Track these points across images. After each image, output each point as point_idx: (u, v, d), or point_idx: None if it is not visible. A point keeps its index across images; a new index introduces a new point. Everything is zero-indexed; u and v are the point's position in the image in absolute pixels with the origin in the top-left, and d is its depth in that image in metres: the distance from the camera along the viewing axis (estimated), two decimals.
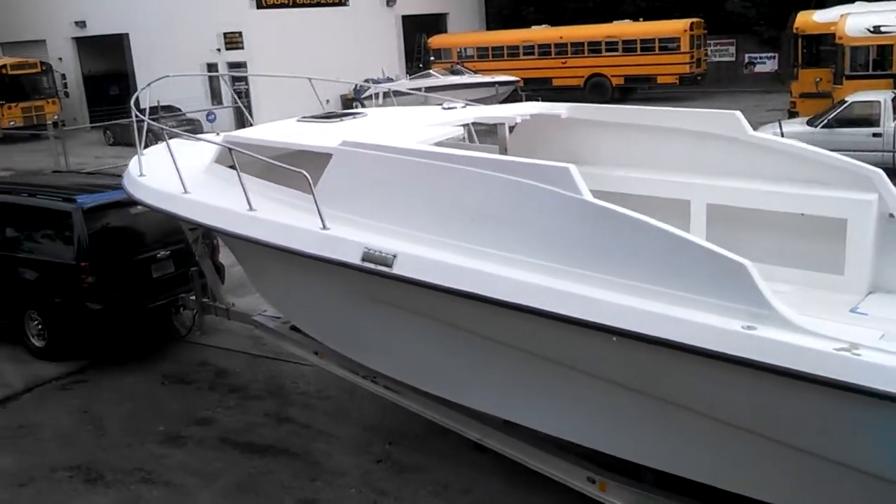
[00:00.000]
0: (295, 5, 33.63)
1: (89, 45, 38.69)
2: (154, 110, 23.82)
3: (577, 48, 34.41)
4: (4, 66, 34.56)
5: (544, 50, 35.16)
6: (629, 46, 33.36)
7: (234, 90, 31.59)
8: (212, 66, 33.50)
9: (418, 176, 5.87)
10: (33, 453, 8.01)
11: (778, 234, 6.43)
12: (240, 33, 33.13)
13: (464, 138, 8.00)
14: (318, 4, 34.55)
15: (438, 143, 6.71)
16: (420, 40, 39.31)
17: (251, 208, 6.48)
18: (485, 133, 8.71)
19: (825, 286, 6.06)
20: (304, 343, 7.87)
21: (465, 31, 40.64)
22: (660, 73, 32.89)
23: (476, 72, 33.40)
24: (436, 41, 38.44)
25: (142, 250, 9.96)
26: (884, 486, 4.20)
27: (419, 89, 31.31)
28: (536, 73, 34.42)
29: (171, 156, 7.37)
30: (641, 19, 34.80)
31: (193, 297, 9.38)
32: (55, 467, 7.67)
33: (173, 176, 7.26)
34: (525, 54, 35.45)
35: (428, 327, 5.93)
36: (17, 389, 9.49)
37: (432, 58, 37.42)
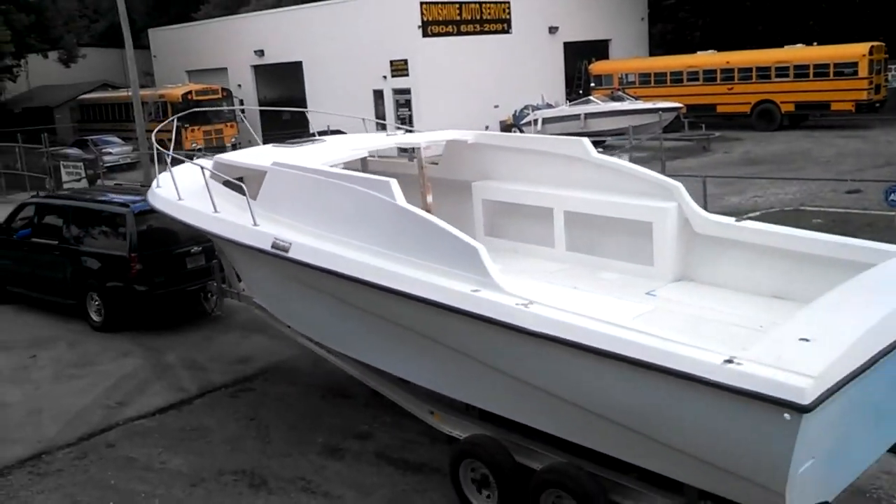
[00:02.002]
0: (459, 33, 34.38)
1: (266, 73, 41.02)
2: (323, 133, 24.83)
3: (745, 74, 33.28)
4: (190, 92, 37.12)
5: (709, 76, 34.23)
6: (801, 72, 31.93)
7: (399, 115, 32.60)
8: (378, 93, 34.76)
9: (309, 187, 7.86)
10: (203, 455, 8.48)
11: (612, 234, 8.17)
12: (405, 61, 34.18)
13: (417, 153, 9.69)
14: (482, 32, 35.17)
15: (346, 164, 8.70)
16: (581, 66, 39.21)
17: (216, 210, 8.56)
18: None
19: (641, 275, 7.79)
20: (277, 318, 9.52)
21: (627, 58, 40.20)
22: (834, 100, 31.28)
23: (638, 98, 32.91)
24: (597, 67, 38.20)
25: (179, 246, 12.34)
26: (524, 386, 6.08)
27: (578, 116, 31.28)
28: (700, 100, 33.55)
29: (171, 174, 9.59)
30: (815, 43, 33.26)
31: (215, 284, 11.37)
32: (223, 470, 8.10)
33: (173, 188, 9.43)
34: (689, 80, 34.65)
35: (318, 297, 7.84)
36: (191, 394, 10.11)
37: (593, 84, 37.20)
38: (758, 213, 16.70)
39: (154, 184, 10.36)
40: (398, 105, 34.71)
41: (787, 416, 4.53)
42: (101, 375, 10.90)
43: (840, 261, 6.54)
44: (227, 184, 8.75)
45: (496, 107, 35.27)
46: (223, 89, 38.14)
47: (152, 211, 10.49)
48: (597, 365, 5.37)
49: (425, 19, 33.65)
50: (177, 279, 12.37)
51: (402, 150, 10.13)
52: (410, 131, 10.52)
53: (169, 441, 8.87)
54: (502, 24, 36.47)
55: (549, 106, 34.43)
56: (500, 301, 5.95)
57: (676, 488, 5.78)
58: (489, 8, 36.07)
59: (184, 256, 12.41)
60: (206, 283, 11.76)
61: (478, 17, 35.67)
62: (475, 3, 35.52)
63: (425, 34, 33.43)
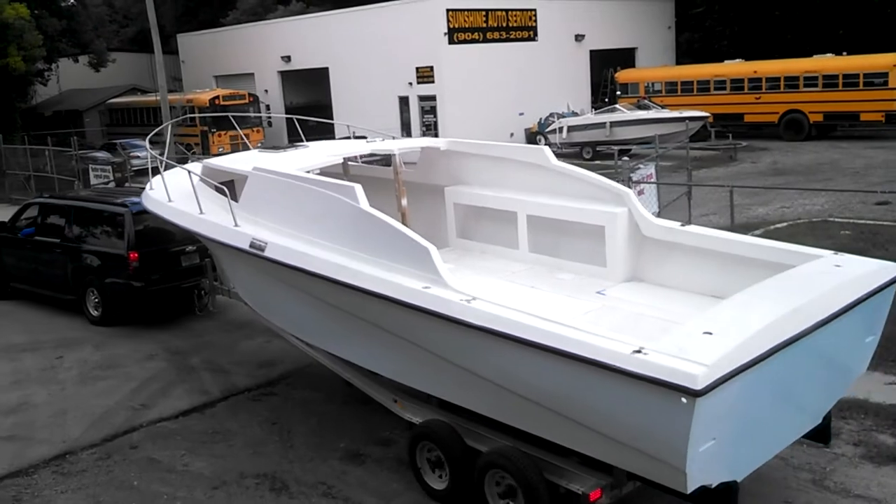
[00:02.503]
0: (485, 40, 34.42)
1: (293, 78, 41.30)
2: (346, 139, 24.91)
3: (773, 83, 33.03)
4: (217, 96, 37.46)
5: (737, 85, 34.01)
6: (830, 81, 31.63)
7: (424, 122, 32.64)
8: (403, 100, 34.85)
9: (284, 191, 8.39)
10: (225, 458, 8.52)
11: (569, 237, 8.66)
12: (431, 67, 34.25)
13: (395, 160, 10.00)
14: (508, 39, 35.18)
15: (322, 169, 9.25)
16: (607, 75, 39.10)
17: (201, 212, 9.15)
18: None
19: (595, 275, 8.29)
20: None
21: (653, 66, 40.04)
22: (864, 111, 30.94)
23: (664, 107, 32.77)
24: (623, 75, 38.07)
25: (174, 245, 12.81)
26: (470, 375, 6.60)
27: (604, 124, 31.18)
28: (727, 109, 33.35)
29: (162, 178, 10.16)
30: (845, 53, 32.95)
31: (207, 282, 12.12)
32: (245, 473, 8.13)
33: (164, 191, 10.02)
34: (716, 89, 34.44)
35: (292, 293, 8.37)
36: (214, 397, 10.16)
37: (619, 92, 37.10)
38: (785, 224, 16.55)
39: (148, 186, 10.85)
40: (423, 111, 34.78)
41: (683, 399, 5.02)
42: (126, 377, 10.99)
43: (768, 262, 7.02)
44: (217, 187, 9.18)
45: (521, 114, 35.26)
46: (250, 94, 38.45)
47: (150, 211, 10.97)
48: (527, 355, 5.89)
49: (451, 26, 33.72)
50: (172, 276, 12.95)
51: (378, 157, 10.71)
52: (393, 138, 11.19)
53: (191, 443, 8.92)
54: (528, 32, 36.48)
55: (575, 114, 34.35)
56: (447, 297, 6.50)
57: (607, 469, 6.31)
58: (515, 15, 36.08)
59: (179, 255, 12.97)
60: (200, 281, 12.53)
61: (504, 25, 35.70)
62: (501, 10, 35.54)
63: (451, 41, 33.49)
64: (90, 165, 28.17)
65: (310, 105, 41.51)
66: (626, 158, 12.87)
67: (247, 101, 37.94)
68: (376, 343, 7.61)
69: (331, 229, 7.75)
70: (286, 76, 41.54)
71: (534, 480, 6.47)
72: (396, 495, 7.57)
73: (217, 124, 36.30)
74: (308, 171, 8.82)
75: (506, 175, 9.35)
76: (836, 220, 17.11)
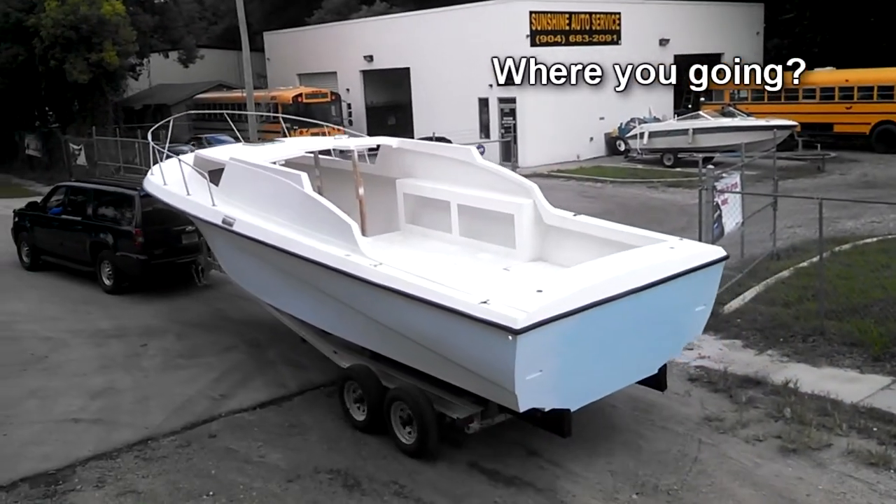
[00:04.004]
0: (568, 43, 34.11)
1: (374, 78, 41.67)
2: (428, 140, 25.08)
3: (866, 93, 31.88)
4: (300, 94, 38.06)
5: (827, 94, 32.92)
6: None
7: (503, 124, 32.54)
8: (483, 101, 34.82)
9: (250, 178, 10.30)
10: (300, 452, 8.67)
11: (489, 223, 10.20)
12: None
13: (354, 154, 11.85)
14: (591, 43, 34.78)
15: (288, 161, 11.04)
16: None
17: (188, 193, 11.06)
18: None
19: (508, 256, 9.84)
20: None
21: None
22: None
23: (749, 114, 31.95)
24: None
25: (176, 224, 14.37)
26: (377, 325, 8.42)
27: (686, 131, 30.57)
28: (816, 118, 32.26)
29: (159, 167, 12.14)
30: None
31: (202, 257, 13.70)
32: (319, 468, 8.25)
33: (161, 177, 11.96)
34: (805, 98, 33.39)
35: (255, 262, 10.16)
36: (291, 391, 10.34)
37: (703, 99, 36.33)
38: (875, 240, 15.97)
39: (149, 173, 12.77)
40: (502, 114, 34.69)
41: (509, 337, 6.62)
42: (206, 367, 11.27)
43: (625, 244, 8.58)
44: (200, 173, 11.09)
45: (601, 118, 34.87)
46: (332, 93, 38.91)
47: None
48: (411, 305, 7.57)
49: (534, 28, 33.52)
50: (173, 252, 14.78)
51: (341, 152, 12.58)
52: (355, 135, 13.77)
53: (268, 435, 9.09)
54: (612, 36, 36.02)
55: (657, 119, 33.79)
56: (360, 262, 8.24)
57: (483, 403, 7.95)
58: (599, 18, 35.68)
59: (180, 233, 14.67)
60: (196, 257, 14.06)
61: (587, 28, 35.33)
62: (585, 13, 35.18)
63: (533, 43, 33.28)
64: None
65: (389, 104, 41.84)
66: (711, 167, 12.59)
67: (329, 99, 38.38)
68: (317, 302, 9.37)
69: (283, 209, 9.55)
70: (368, 75, 41.93)
71: (425, 411, 8.11)
72: (465, 498, 7.59)
73: (299, 123, 36.76)
74: (274, 163, 10.54)
75: (443, 170, 10.91)
76: None
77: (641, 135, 31.75)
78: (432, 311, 7.31)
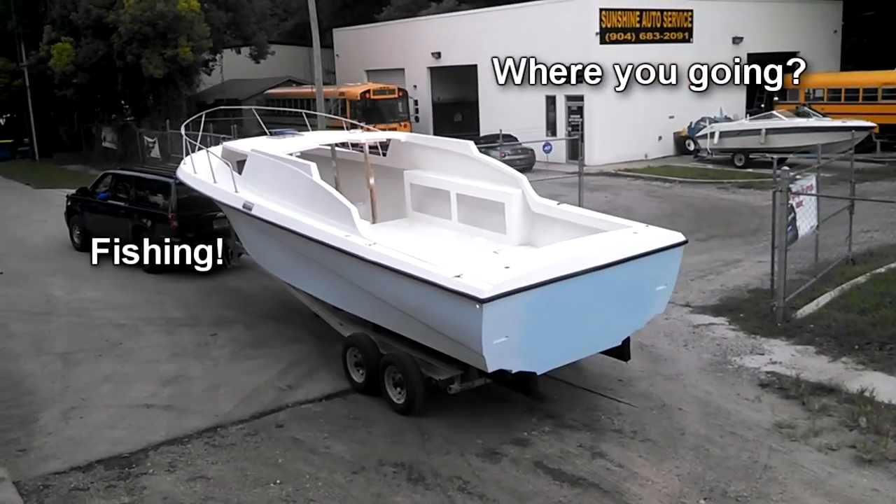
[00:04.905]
0: (638, 41, 33.65)
1: (442, 75, 41.72)
2: (496, 138, 25.09)
3: None
4: (368, 90, 38.33)
5: None
6: None
7: (570, 122, 32.27)
8: (550, 99, 34.57)
9: (268, 167, 11.38)
10: (365, 444, 8.74)
11: (483, 211, 11.17)
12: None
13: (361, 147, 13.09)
14: (662, 41, 34.26)
15: (303, 153, 11.86)
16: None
17: (215, 181, 12.16)
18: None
19: (500, 241, 10.67)
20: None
21: (815, 71, 38.02)
22: None
23: (825, 115, 31.08)
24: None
25: (208, 210, 15.27)
26: (374, 298, 9.44)
27: (759, 131, 29.89)
28: None
29: (191, 157, 13.41)
30: None
31: (230, 241, 15.01)
32: (383, 461, 8.31)
33: (192, 166, 13.12)
34: (885, 98, 32.34)
35: (272, 243, 11.20)
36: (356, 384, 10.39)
37: (777, 98, 35.47)
38: None
39: (182, 163, 13.94)
40: (570, 112, 34.42)
41: (476, 306, 7.55)
42: (274, 358, 11.44)
43: (597, 229, 9.46)
44: (225, 163, 12.28)
45: (671, 117, 34.32)
46: (399, 89, 39.09)
47: None
48: (399, 278, 8.54)
49: (604, 26, 33.15)
50: (204, 236, 15.20)
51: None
52: (370, 130, 15.04)
53: (334, 427, 9.19)
54: (684, 33, 35.40)
55: (728, 119, 33.12)
56: (358, 242, 9.24)
57: (465, 367, 8.81)
58: (671, 16, 35.11)
59: (211, 219, 15.75)
60: (225, 241, 15.16)
61: (658, 25, 34.80)
62: (656, 10, 34.65)
63: (602, 41, 32.92)
64: None
65: (456, 101, 41.83)
66: (786, 168, 12.26)
67: (396, 95, 38.55)
68: (324, 279, 10.34)
69: (295, 195, 10.57)
70: (435, 72, 41.99)
71: (413, 374, 9.12)
72: (530, 497, 7.55)
73: (367, 117, 37.14)
74: (291, 154, 11.47)
75: (445, 163, 11.85)
76: None
77: (712, 134, 31.14)
78: (415, 284, 8.33)
